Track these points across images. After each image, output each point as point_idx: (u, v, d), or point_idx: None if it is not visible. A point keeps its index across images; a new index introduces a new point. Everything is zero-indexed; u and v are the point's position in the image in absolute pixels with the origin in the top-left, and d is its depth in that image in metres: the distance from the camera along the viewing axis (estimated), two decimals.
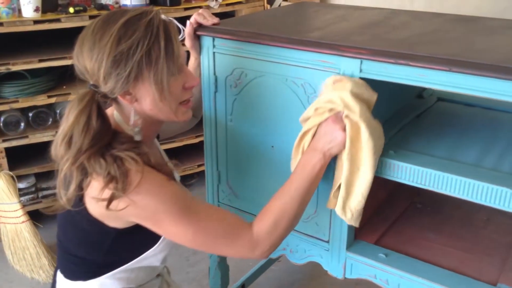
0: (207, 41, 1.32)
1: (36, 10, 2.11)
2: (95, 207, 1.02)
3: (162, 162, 1.06)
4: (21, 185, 2.30)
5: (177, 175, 1.26)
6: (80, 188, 0.99)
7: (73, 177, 0.98)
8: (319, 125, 1.11)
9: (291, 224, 1.10)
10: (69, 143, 0.96)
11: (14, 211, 2.09)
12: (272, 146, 1.31)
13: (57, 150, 0.98)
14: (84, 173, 0.98)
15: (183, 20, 1.33)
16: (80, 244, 1.11)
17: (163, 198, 1.00)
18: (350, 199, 1.12)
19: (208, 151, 1.45)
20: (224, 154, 1.42)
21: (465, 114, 1.43)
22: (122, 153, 0.98)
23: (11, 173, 2.13)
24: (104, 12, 2.25)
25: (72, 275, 1.14)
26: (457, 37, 1.20)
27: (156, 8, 1.05)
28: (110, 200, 0.97)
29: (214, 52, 1.32)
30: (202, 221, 1.03)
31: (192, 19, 1.31)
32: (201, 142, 1.48)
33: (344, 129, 1.07)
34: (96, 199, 0.98)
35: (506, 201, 1.01)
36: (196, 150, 2.58)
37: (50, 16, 2.17)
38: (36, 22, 2.10)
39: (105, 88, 1.00)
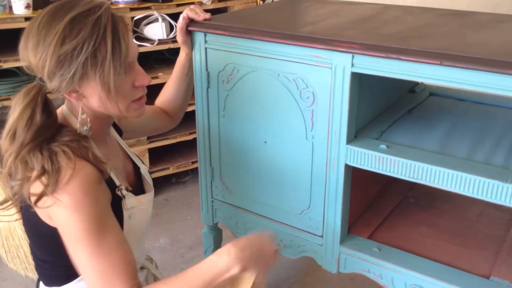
0: (199, 36, 1.31)
1: (27, 7, 2.10)
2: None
3: (100, 158, 1.00)
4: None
5: (144, 169, 1.24)
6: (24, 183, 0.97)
7: (18, 172, 0.96)
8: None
9: None
10: (13, 137, 0.94)
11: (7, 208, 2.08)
12: (265, 142, 1.31)
13: (2, 144, 0.96)
14: (27, 168, 0.96)
15: (175, 17, 1.33)
16: (41, 248, 1.08)
17: (82, 209, 0.94)
18: None
19: (201, 147, 1.45)
20: (217, 150, 1.42)
21: (456, 108, 1.44)
22: (57, 147, 0.95)
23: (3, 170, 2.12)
24: None
25: (48, 281, 1.12)
26: (448, 31, 1.21)
27: (108, 2, 1.01)
28: (40, 196, 0.94)
29: (206, 48, 1.31)
30: (97, 255, 0.95)
31: (184, 14, 1.30)
32: (195, 139, 1.47)
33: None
34: (29, 194, 0.95)
35: (497, 194, 1.02)
36: (189, 147, 2.57)
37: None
38: (27, 19, 2.09)
39: (50, 85, 0.96)
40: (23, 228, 1.11)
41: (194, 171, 2.76)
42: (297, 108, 1.22)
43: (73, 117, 1.05)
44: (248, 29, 1.23)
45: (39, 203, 0.95)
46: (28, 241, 1.14)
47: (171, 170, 2.61)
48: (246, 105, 1.31)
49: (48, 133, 0.97)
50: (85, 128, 1.03)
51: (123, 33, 0.98)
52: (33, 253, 1.13)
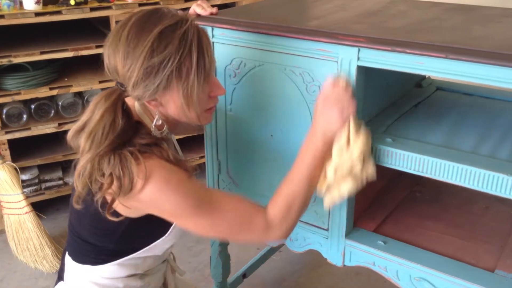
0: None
1: (37, 2, 2.12)
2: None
3: (180, 158, 1.07)
4: (24, 176, 2.32)
5: None
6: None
7: (87, 171, 0.99)
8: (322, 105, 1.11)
9: (304, 206, 1.12)
10: (93, 140, 0.98)
11: (17, 202, 2.11)
12: (271, 135, 1.32)
13: (79, 143, 1.00)
14: (96, 170, 0.99)
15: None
16: (92, 231, 1.12)
17: (176, 196, 1.01)
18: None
19: (208, 141, 1.46)
20: (224, 144, 1.43)
21: (463, 103, 1.44)
22: (131, 152, 0.98)
23: (14, 164, 2.15)
24: (105, 5, 2.26)
25: (81, 259, 1.16)
26: (454, 25, 1.21)
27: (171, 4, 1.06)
28: (111, 203, 1.00)
29: (213, 42, 1.32)
30: (217, 213, 1.05)
31: (190, 10, 1.32)
32: (202, 134, 1.49)
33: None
34: (102, 199, 1.01)
35: (503, 187, 1.02)
36: (197, 141, 2.58)
37: (51, 8, 2.18)
38: (37, 14, 2.11)
39: (132, 93, 1.01)
40: (76, 216, 1.14)
41: (202, 166, 2.76)
42: (303, 101, 1.22)
43: (146, 116, 1.09)
44: (254, 23, 1.24)
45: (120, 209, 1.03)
46: (72, 218, 1.17)
47: None
48: (252, 99, 1.32)
49: (126, 136, 1.01)
50: (164, 132, 1.07)
51: (207, 47, 1.03)
52: (74, 230, 1.16)
